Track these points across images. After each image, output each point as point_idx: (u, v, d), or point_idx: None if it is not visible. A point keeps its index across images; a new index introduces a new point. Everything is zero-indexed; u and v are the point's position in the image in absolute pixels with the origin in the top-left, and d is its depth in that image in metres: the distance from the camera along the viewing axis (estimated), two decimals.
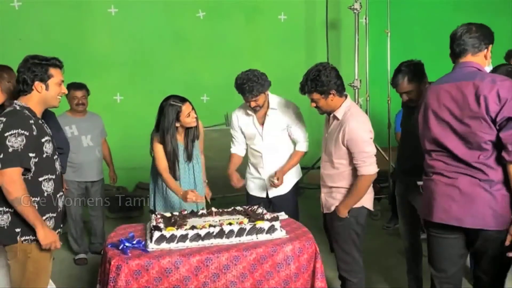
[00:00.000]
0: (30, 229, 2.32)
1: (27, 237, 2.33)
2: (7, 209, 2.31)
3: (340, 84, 2.81)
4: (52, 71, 2.39)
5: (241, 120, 3.49)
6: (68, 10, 6.59)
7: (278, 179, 3.34)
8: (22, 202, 2.24)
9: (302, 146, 3.47)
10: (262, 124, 3.41)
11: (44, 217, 2.38)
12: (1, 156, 2.24)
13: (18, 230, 2.32)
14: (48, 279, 2.49)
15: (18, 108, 2.35)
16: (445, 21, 7.47)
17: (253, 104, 3.28)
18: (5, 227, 2.32)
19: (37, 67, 2.35)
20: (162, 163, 3.23)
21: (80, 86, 4.21)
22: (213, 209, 3.07)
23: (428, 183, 2.51)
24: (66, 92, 2.55)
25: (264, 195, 3.53)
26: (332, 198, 2.95)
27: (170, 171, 3.23)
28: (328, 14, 7.06)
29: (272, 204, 3.54)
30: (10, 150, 2.24)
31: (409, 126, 3.07)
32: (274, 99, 3.41)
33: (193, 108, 3.24)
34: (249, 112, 3.42)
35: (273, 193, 3.50)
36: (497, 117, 2.23)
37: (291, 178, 3.51)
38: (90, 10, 6.73)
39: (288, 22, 7.51)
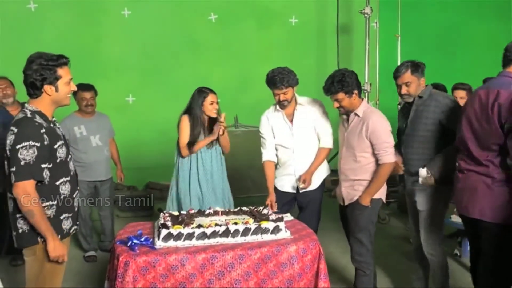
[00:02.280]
0: None
1: None
2: None
3: (360, 86, 3.15)
4: (60, 71, 2.32)
5: (272, 119, 3.59)
6: (82, 12, 6.72)
7: (305, 182, 3.42)
8: (35, 214, 2.24)
9: (327, 142, 3.53)
10: (291, 121, 3.52)
11: (61, 217, 2.39)
12: (14, 169, 2.22)
13: (38, 231, 2.33)
14: (62, 277, 2.53)
15: (29, 114, 2.29)
16: (456, 26, 7.52)
17: (282, 97, 3.39)
18: (26, 231, 2.32)
19: (45, 70, 2.27)
20: (186, 135, 3.60)
21: (89, 88, 4.26)
22: (219, 209, 3.14)
23: (455, 179, 2.79)
24: (76, 89, 2.48)
25: (294, 191, 3.57)
26: (354, 190, 3.16)
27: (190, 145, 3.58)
28: (339, 18, 7.09)
29: (297, 201, 3.59)
30: (22, 163, 2.21)
31: (414, 130, 3.11)
32: (300, 97, 3.55)
33: (217, 103, 3.60)
34: (278, 109, 3.53)
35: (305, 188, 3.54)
36: (505, 124, 2.37)
37: (320, 174, 3.56)
38: (104, 12, 6.85)
39: (299, 26, 7.56)
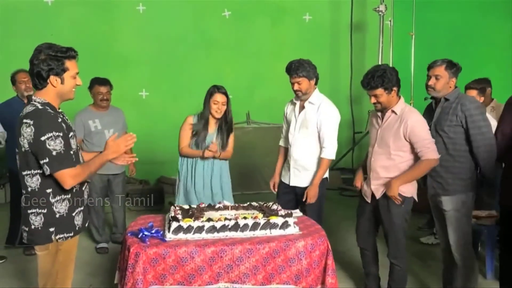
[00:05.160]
0: (62, 228, 2.33)
1: (61, 235, 2.34)
2: (40, 211, 2.28)
3: (399, 84, 3.07)
4: (68, 64, 2.27)
5: (288, 108, 3.71)
6: (98, 7, 6.80)
7: (311, 197, 3.40)
8: (90, 173, 2.35)
9: (330, 154, 3.43)
10: (298, 115, 3.56)
11: (73, 213, 2.39)
12: (47, 160, 2.18)
13: (52, 229, 2.30)
14: (73, 267, 2.56)
15: (40, 106, 2.24)
16: (470, 25, 7.45)
17: (296, 86, 3.44)
18: (39, 228, 2.29)
19: (52, 61, 2.22)
20: (186, 138, 3.64)
21: (105, 82, 4.31)
22: (228, 203, 3.17)
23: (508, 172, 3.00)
24: (81, 84, 2.40)
25: (288, 183, 3.60)
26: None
27: (194, 143, 3.62)
28: (353, 15, 7.07)
29: (296, 195, 3.58)
30: (54, 153, 2.18)
31: (438, 132, 3.15)
32: (318, 96, 3.51)
33: (227, 105, 3.58)
34: (295, 101, 3.60)
35: (294, 182, 3.55)
36: None
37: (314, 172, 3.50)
38: (119, 8, 6.92)
39: (313, 23, 7.55)
